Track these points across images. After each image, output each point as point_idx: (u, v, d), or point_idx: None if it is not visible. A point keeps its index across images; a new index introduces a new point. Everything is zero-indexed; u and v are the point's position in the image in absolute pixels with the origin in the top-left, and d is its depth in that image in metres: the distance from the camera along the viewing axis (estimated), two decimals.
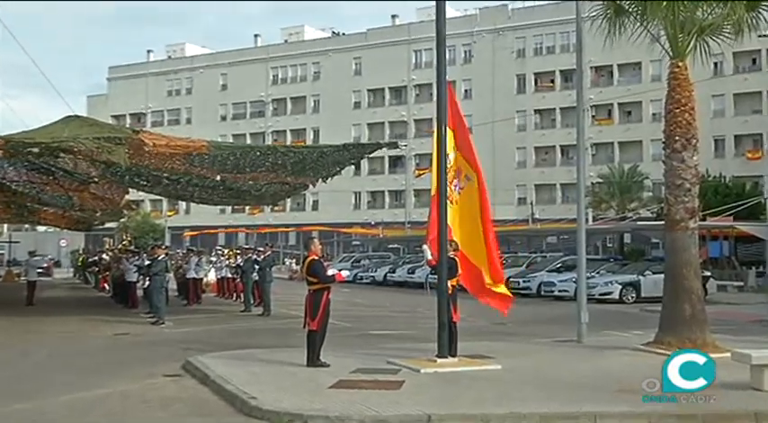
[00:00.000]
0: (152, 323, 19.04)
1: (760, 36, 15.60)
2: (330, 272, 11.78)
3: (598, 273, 28.98)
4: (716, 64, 52.22)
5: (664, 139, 13.62)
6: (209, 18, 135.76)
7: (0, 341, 15.92)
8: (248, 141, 71.84)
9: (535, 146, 68.30)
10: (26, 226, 64.81)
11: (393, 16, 77.54)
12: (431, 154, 13.00)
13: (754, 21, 13.68)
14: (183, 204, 73.45)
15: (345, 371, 10.80)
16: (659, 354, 11.59)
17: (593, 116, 64.10)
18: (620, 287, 27.63)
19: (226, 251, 31.06)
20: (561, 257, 33.25)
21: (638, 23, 13.97)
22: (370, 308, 25.16)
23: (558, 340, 14.78)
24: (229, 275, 27.46)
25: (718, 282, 29.91)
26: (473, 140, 13.61)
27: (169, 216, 77.22)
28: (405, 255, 49.23)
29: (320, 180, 22.01)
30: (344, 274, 12.48)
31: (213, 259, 30.63)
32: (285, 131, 78.74)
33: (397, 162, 73.11)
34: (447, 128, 12.18)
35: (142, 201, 65.92)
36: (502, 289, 13.09)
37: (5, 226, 61.38)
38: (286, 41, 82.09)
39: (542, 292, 29.71)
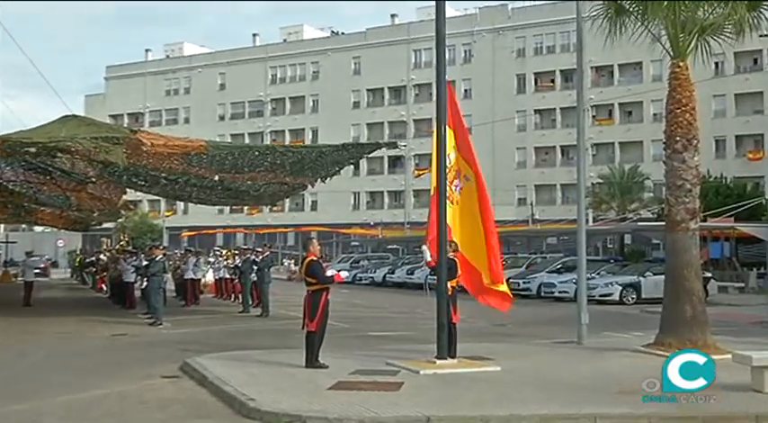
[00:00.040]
0: (150, 324, 18.97)
1: (761, 36, 15.59)
2: (329, 273, 11.76)
3: (598, 274, 28.94)
4: (717, 64, 52.22)
5: (664, 140, 13.59)
6: (207, 17, 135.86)
7: None
8: (247, 141, 71.80)
9: (535, 146, 68.26)
10: (23, 226, 64.80)
11: (392, 16, 77.55)
12: (430, 154, 12.96)
13: (755, 20, 13.66)
14: (180, 204, 73.41)
15: (344, 372, 10.77)
16: (660, 355, 11.53)
17: (593, 116, 64.09)
18: (620, 288, 27.58)
19: (224, 252, 31.01)
20: (561, 258, 33.18)
21: (639, 23, 13.94)
22: (369, 309, 25.10)
23: (558, 341, 14.73)
24: (228, 276, 27.40)
25: (718, 283, 29.91)
26: (473, 141, 13.62)
27: (167, 216, 77.22)
28: (404, 255, 49.19)
29: (319, 180, 21.97)
30: (343, 274, 12.47)
31: (211, 260, 30.53)
32: (284, 131, 78.69)
33: (396, 162, 73.07)
34: (447, 127, 12.13)
35: (140, 201, 65.89)
36: (502, 287, 13.02)
37: (2, 226, 61.21)
38: (285, 41, 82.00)
39: (542, 294, 29.66)
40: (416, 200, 70.16)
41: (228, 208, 63.16)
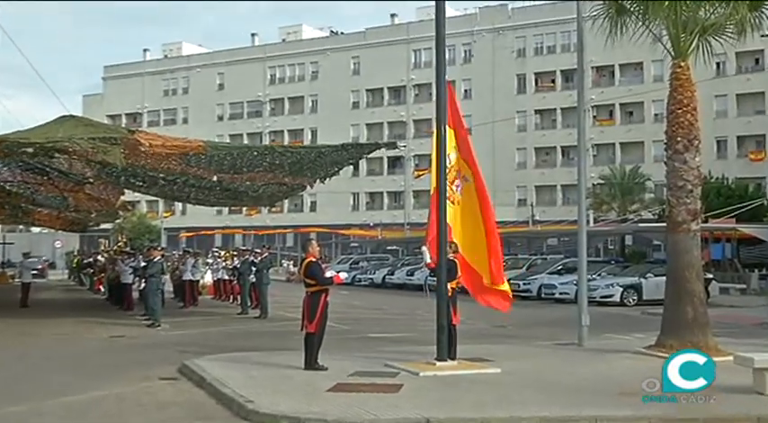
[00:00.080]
0: (148, 325, 18.92)
1: (763, 36, 15.51)
2: (328, 274, 11.74)
3: (599, 275, 28.90)
4: (718, 64, 52.15)
5: (666, 140, 13.56)
6: (206, 17, 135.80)
7: None
8: (245, 141, 71.68)
9: (535, 146, 68.24)
10: (20, 227, 64.67)
11: (392, 15, 77.55)
12: (430, 155, 12.90)
13: (756, 20, 13.65)
14: (179, 205, 73.32)
15: (343, 374, 10.74)
16: (661, 357, 11.44)
17: (594, 117, 64.08)
18: (621, 290, 27.51)
19: (222, 253, 30.89)
20: (562, 260, 33.13)
21: (640, 23, 13.92)
22: (369, 310, 25.06)
23: (558, 343, 14.70)
24: (226, 277, 27.33)
25: (720, 284, 29.86)
26: (472, 141, 13.61)
27: (165, 217, 77.15)
28: (404, 256, 49.12)
29: (318, 181, 21.93)
30: (343, 276, 12.50)
31: (210, 261, 30.48)
32: (283, 131, 78.68)
33: (395, 163, 73.04)
34: (447, 127, 12.08)
35: (138, 202, 65.84)
36: (503, 287, 12.95)
37: None
38: (284, 41, 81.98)
39: (543, 295, 29.64)
40: (416, 201, 70.12)
41: (227, 209, 63.09)
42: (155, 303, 19.44)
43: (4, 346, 15.46)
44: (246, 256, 24.22)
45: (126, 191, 27.36)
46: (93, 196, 25.89)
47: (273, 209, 59.75)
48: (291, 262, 51.82)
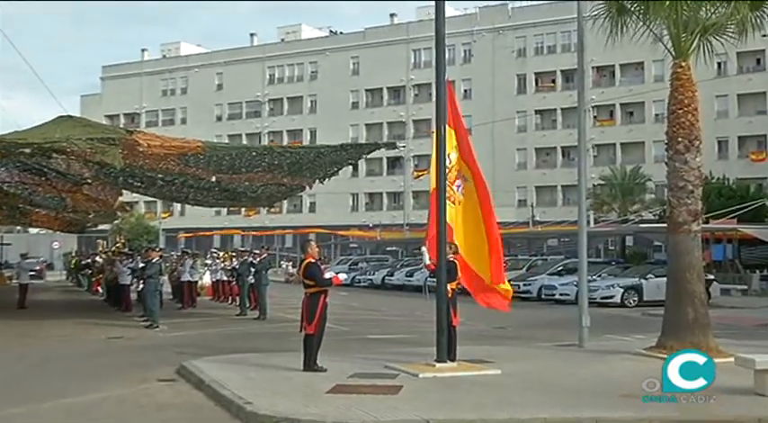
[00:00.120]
0: (146, 327, 18.86)
1: (764, 35, 15.43)
2: (327, 275, 11.70)
3: (600, 276, 28.87)
4: (719, 64, 52.11)
5: (666, 141, 13.53)
6: (204, 17, 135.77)
7: None
8: (244, 142, 71.61)
9: (536, 147, 68.19)
10: (18, 228, 64.48)
11: (392, 15, 77.47)
12: (430, 155, 12.86)
13: (758, 20, 13.61)
14: (177, 206, 73.22)
15: (343, 375, 10.71)
16: (661, 358, 11.36)
17: (594, 117, 64.06)
18: (621, 291, 27.45)
19: (221, 253, 30.85)
20: (562, 260, 33.10)
21: (641, 23, 13.88)
22: (368, 311, 25.03)
23: (559, 344, 14.67)
24: (225, 278, 27.27)
25: (721, 285, 29.86)
26: (472, 141, 13.57)
27: (163, 218, 77.11)
28: (403, 257, 49.08)
29: (317, 181, 21.88)
30: (342, 277, 12.44)
31: (208, 262, 30.43)
32: (282, 132, 78.64)
33: (395, 163, 72.99)
34: (447, 126, 12.04)
35: (136, 202, 65.68)
36: (503, 286, 12.89)
37: None
38: (283, 41, 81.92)
39: (543, 296, 29.60)
40: (416, 201, 70.08)
41: (226, 209, 63.07)
42: (153, 304, 19.39)
43: (2, 347, 15.41)
44: (245, 257, 24.20)
45: (124, 191, 27.32)
46: (92, 197, 25.84)
47: (272, 209, 59.68)
48: (290, 263, 51.76)
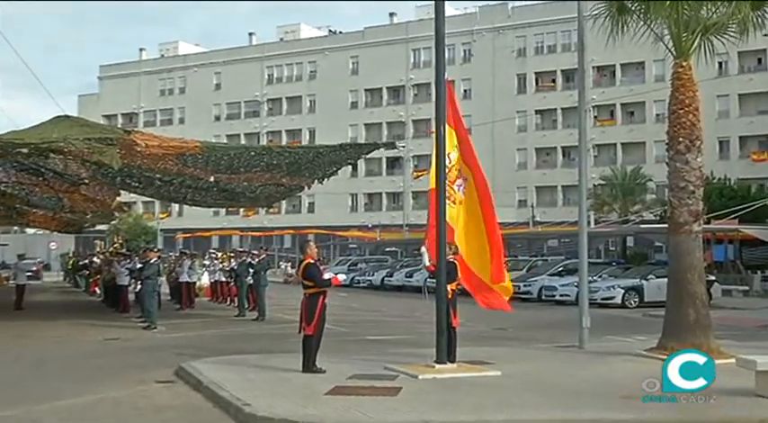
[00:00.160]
0: (144, 328, 18.80)
1: (765, 35, 15.37)
2: (326, 276, 11.70)
3: (600, 277, 28.83)
4: (720, 64, 52.16)
5: (667, 141, 13.51)
6: (202, 16, 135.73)
7: None
8: (243, 142, 71.53)
9: (536, 147, 68.13)
10: (15, 228, 64.53)
11: (391, 14, 77.44)
12: (429, 155, 12.81)
13: (759, 20, 13.60)
14: (175, 206, 73.12)
15: (342, 377, 10.69)
16: (662, 359, 11.32)
17: (595, 117, 63.97)
18: (622, 291, 27.42)
19: (219, 254, 30.76)
20: (562, 261, 33.05)
21: (642, 22, 13.86)
22: (367, 312, 25.00)
23: (559, 346, 14.65)
24: (223, 279, 27.21)
25: (722, 286, 29.87)
26: (473, 141, 13.54)
27: (161, 218, 76.97)
28: (403, 258, 48.98)
29: (316, 181, 21.82)
30: (341, 277, 12.40)
31: (206, 262, 30.33)
32: (280, 132, 78.62)
33: (394, 163, 72.95)
34: (447, 126, 12.00)
35: (134, 202, 65.60)
36: (504, 285, 12.83)
37: None
38: (281, 40, 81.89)
39: (543, 297, 29.55)
40: (415, 202, 70.02)
41: (224, 210, 63.06)
42: (151, 305, 19.30)
43: None
44: (244, 258, 24.16)
45: (122, 192, 27.25)
46: (89, 197, 25.75)
47: (271, 210, 59.68)
48: (289, 264, 51.68)
